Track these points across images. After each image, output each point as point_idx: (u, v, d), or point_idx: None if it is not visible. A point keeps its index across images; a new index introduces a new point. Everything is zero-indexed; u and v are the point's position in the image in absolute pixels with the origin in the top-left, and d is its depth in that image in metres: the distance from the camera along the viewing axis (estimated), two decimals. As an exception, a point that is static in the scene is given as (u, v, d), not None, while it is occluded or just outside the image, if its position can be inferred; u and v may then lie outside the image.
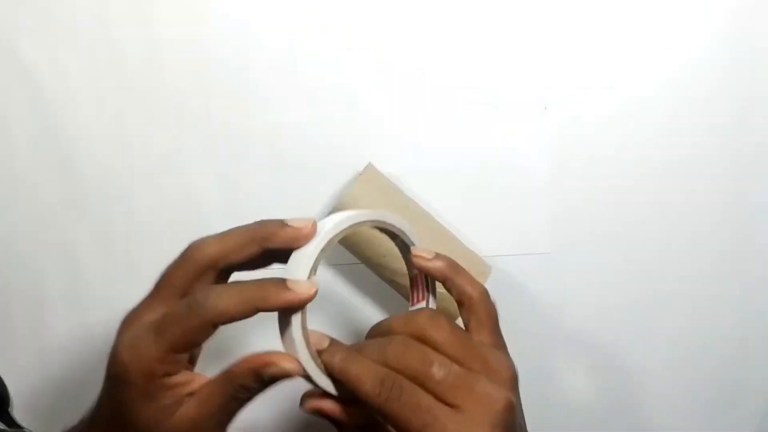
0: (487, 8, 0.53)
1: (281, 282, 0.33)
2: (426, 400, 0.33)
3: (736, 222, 0.54)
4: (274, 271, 0.35)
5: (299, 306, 0.33)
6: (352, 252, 0.51)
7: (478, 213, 0.54)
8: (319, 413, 0.35)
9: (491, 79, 0.54)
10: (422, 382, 0.34)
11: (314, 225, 0.35)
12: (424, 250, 0.39)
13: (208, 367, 0.36)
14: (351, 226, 0.35)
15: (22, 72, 0.54)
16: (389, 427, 0.34)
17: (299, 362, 0.33)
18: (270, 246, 0.35)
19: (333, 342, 0.35)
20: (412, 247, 0.39)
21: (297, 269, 0.34)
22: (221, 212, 0.54)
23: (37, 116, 0.54)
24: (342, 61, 0.54)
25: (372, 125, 0.54)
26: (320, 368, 0.34)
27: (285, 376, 0.33)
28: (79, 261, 0.55)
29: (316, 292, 0.33)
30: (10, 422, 0.54)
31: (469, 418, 0.33)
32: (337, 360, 0.34)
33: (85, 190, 0.54)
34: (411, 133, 0.54)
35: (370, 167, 0.52)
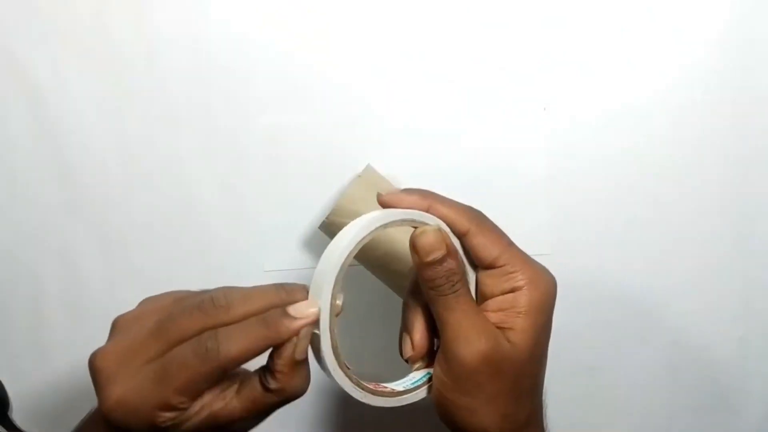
0: (487, 9, 0.53)
1: (284, 312, 0.32)
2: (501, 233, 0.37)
3: (736, 222, 0.54)
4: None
5: (311, 325, 0.33)
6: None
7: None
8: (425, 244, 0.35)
9: (491, 80, 0.54)
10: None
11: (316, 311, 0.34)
12: (391, 192, 0.38)
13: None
14: (375, 230, 0.35)
15: (21, 76, 0.53)
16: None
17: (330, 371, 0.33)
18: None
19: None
20: (378, 193, 0.38)
21: (320, 289, 0.33)
22: (221, 214, 0.54)
23: (36, 120, 0.54)
24: (342, 63, 0.54)
25: (371, 126, 0.54)
26: (349, 377, 0.34)
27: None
28: (79, 265, 0.55)
29: (319, 310, 0.33)
30: (10, 426, 0.54)
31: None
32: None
33: (85, 194, 0.54)
34: (410, 134, 0.54)
35: (369, 168, 0.52)
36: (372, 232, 0.34)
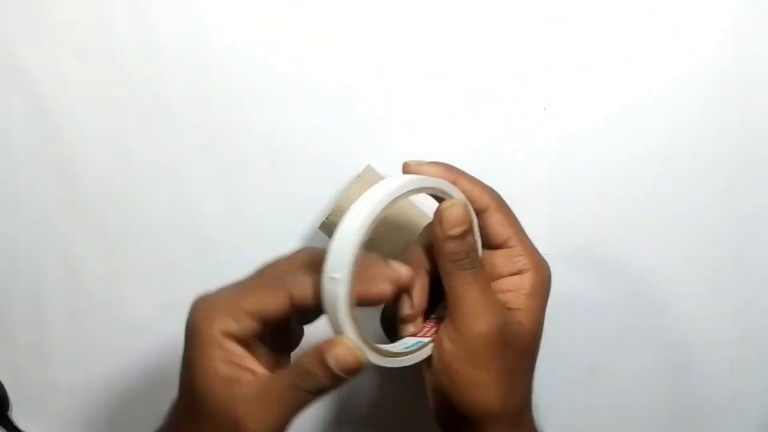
0: (486, 9, 0.53)
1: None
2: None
3: (736, 223, 0.54)
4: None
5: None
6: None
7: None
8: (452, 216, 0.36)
9: (491, 80, 0.54)
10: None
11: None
12: (418, 162, 0.39)
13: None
14: (407, 193, 0.35)
15: (21, 77, 0.54)
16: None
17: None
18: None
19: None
20: (405, 163, 0.39)
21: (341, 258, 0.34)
22: (221, 215, 0.54)
23: (35, 121, 0.54)
24: (342, 63, 0.54)
25: (371, 127, 0.54)
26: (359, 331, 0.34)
27: (353, 361, 0.33)
28: (79, 266, 0.55)
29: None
30: (10, 426, 0.54)
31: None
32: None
33: (84, 195, 0.54)
34: (410, 135, 0.54)
35: (369, 169, 0.52)
36: (404, 194, 0.35)
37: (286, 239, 0.54)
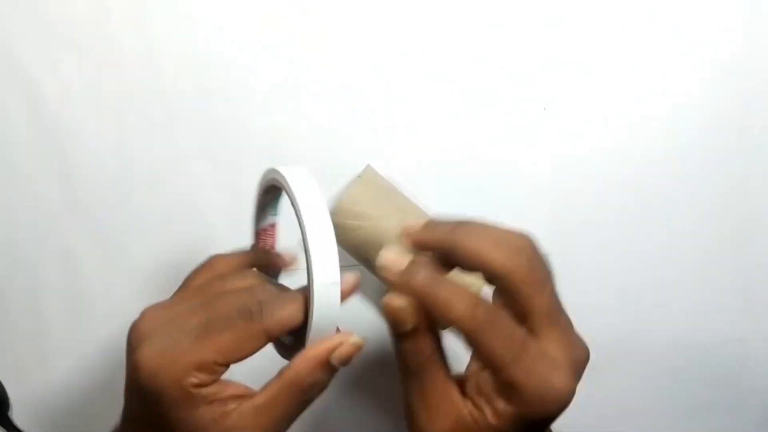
0: (486, 9, 0.53)
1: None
2: (519, 331, 0.30)
3: (736, 222, 0.54)
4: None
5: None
6: (353, 255, 0.51)
7: (478, 214, 0.54)
8: (401, 315, 0.31)
9: (491, 80, 0.54)
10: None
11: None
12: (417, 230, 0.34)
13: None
14: None
15: (21, 76, 0.53)
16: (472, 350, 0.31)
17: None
18: None
19: (414, 261, 0.32)
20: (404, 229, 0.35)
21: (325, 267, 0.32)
22: (221, 215, 0.54)
23: (36, 121, 0.54)
24: (342, 63, 0.53)
25: (371, 126, 0.54)
26: None
27: (355, 351, 0.33)
28: (79, 265, 0.55)
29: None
30: (10, 426, 0.54)
31: (557, 360, 0.31)
32: (420, 279, 0.31)
33: (85, 195, 0.54)
34: (410, 135, 0.54)
35: (369, 169, 0.52)
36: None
37: (286, 239, 0.54)
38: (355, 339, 0.33)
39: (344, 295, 0.33)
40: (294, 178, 0.35)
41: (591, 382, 0.56)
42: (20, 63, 0.53)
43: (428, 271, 0.31)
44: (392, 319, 0.31)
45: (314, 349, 0.32)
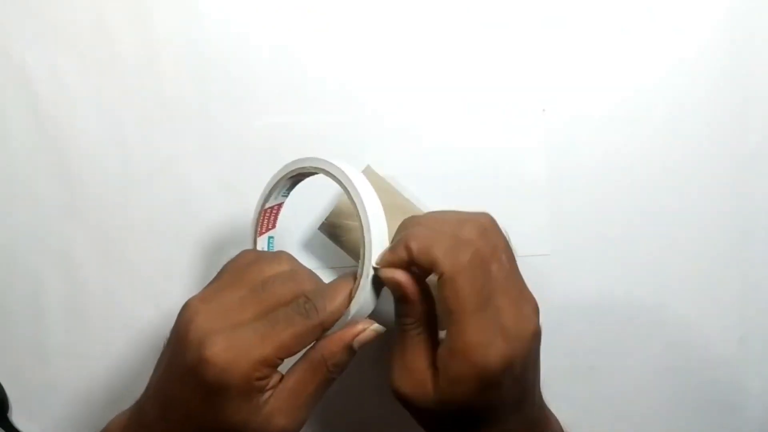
0: (486, 10, 0.53)
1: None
2: (491, 284, 0.34)
3: (735, 222, 0.54)
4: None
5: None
6: (353, 255, 0.51)
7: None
8: (395, 284, 0.36)
9: (490, 81, 0.54)
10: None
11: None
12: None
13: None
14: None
15: (20, 78, 0.53)
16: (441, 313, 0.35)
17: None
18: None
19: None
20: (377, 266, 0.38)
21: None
22: (221, 216, 0.54)
23: (35, 122, 0.54)
24: (341, 63, 0.53)
25: (371, 127, 0.54)
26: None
27: (375, 337, 0.36)
28: (78, 266, 0.55)
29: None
30: (9, 427, 0.54)
31: (506, 328, 0.34)
32: (413, 232, 0.36)
33: (84, 196, 0.54)
34: (409, 135, 0.54)
35: (368, 169, 0.52)
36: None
37: (286, 239, 0.54)
38: (376, 326, 0.36)
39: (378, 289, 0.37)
40: (356, 177, 0.39)
41: (591, 382, 0.56)
42: (20, 63, 0.53)
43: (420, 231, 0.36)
44: (390, 286, 0.36)
45: (342, 333, 0.36)
